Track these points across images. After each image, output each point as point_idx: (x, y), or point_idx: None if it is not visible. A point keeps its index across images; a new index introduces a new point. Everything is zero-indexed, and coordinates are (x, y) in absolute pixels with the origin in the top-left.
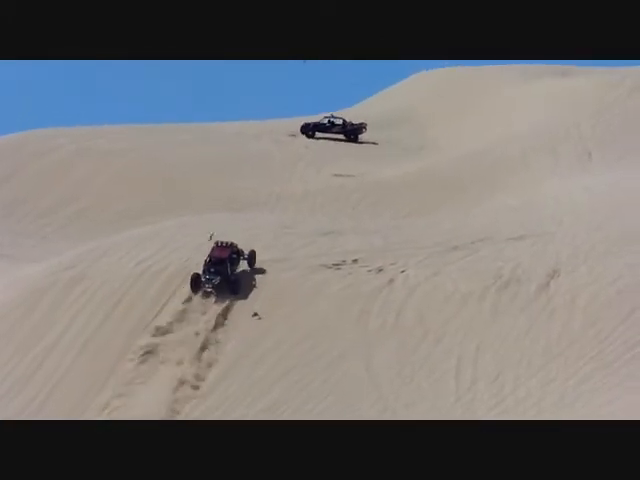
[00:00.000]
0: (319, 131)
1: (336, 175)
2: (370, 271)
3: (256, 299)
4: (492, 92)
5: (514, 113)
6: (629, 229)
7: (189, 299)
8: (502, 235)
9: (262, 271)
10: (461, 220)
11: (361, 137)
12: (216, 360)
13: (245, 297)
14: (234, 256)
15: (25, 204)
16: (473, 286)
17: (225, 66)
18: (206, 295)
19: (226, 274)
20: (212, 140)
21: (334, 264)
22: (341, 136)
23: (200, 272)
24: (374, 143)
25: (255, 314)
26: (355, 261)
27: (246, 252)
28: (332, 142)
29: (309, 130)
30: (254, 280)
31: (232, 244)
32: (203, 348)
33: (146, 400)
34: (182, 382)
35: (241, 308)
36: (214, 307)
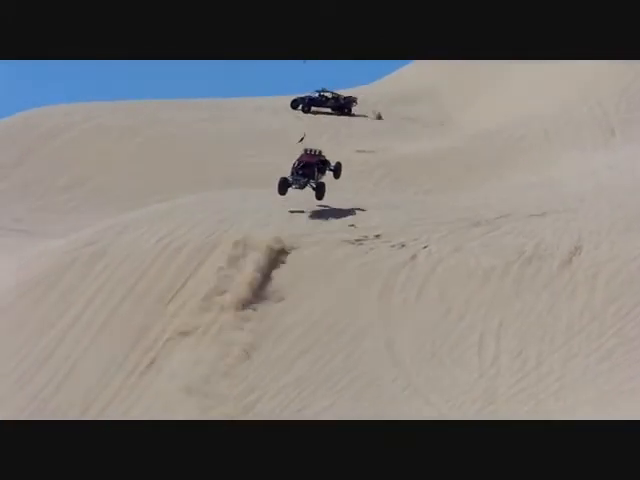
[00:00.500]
0: (314, 105)
1: (359, 151)
2: (392, 247)
3: (277, 275)
4: (513, 68)
5: (535, 90)
6: None
7: (217, 270)
8: (525, 211)
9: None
10: (483, 196)
11: (354, 110)
12: (238, 339)
13: (267, 274)
14: (321, 165)
15: (41, 183)
16: (495, 262)
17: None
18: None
19: (313, 177)
20: (230, 116)
21: (356, 239)
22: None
23: (287, 176)
24: (364, 116)
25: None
26: (377, 236)
27: (333, 163)
28: (353, 118)
29: (305, 105)
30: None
31: (320, 152)
32: (225, 326)
33: (169, 376)
34: (201, 360)
35: (263, 286)
36: (235, 283)
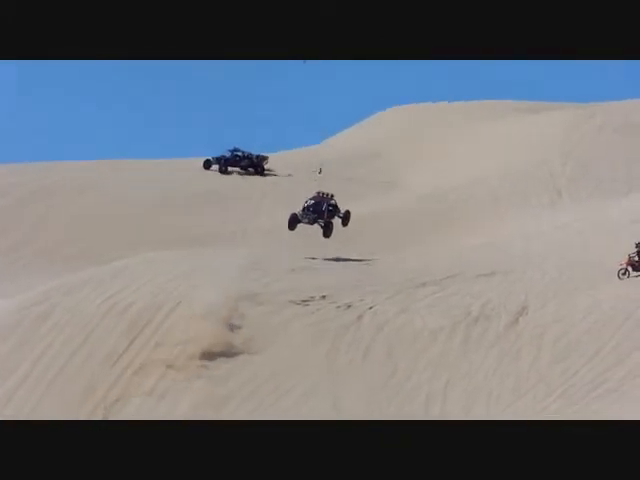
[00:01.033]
0: (230, 165)
1: None
2: (339, 307)
3: (225, 336)
4: (460, 130)
5: (482, 151)
6: (597, 267)
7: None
8: (471, 272)
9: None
10: (429, 257)
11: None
12: (182, 400)
13: (207, 337)
14: (330, 208)
15: None
16: (442, 322)
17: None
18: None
19: (322, 217)
20: (175, 176)
21: (303, 300)
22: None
23: (297, 212)
24: (274, 174)
25: None
26: (324, 297)
27: (342, 210)
28: (297, 180)
29: (222, 165)
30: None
31: (332, 196)
32: (171, 389)
33: None
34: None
35: (211, 347)
36: (178, 347)
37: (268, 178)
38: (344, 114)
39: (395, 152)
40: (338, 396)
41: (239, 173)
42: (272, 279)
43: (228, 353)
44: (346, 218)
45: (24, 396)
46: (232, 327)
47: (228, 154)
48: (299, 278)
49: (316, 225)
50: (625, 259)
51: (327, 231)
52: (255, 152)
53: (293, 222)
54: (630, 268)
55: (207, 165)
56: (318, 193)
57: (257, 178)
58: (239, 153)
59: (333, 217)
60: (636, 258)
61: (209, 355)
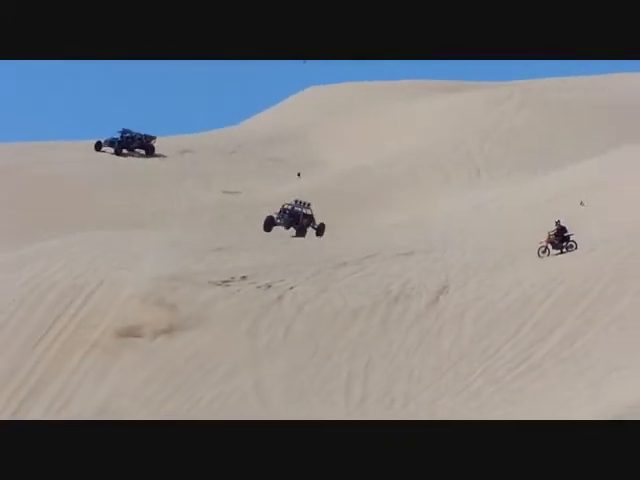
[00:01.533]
0: (124, 148)
1: (225, 192)
2: (259, 288)
3: (148, 316)
4: (382, 109)
5: (403, 130)
6: (517, 245)
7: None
8: (391, 251)
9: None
10: (349, 237)
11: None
12: (105, 380)
13: (130, 317)
14: (305, 216)
15: None
16: (362, 302)
17: (113, 85)
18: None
19: (297, 220)
20: (96, 157)
21: (223, 281)
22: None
23: (273, 215)
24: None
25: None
26: (244, 278)
27: (317, 222)
28: (218, 158)
29: (117, 147)
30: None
31: (309, 205)
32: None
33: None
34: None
35: (134, 325)
36: (102, 326)
37: (186, 158)
38: (262, 96)
39: (315, 133)
40: (260, 376)
41: (127, 155)
42: (192, 260)
43: (150, 333)
44: (320, 230)
45: None
46: (154, 308)
47: (118, 136)
48: (219, 259)
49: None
50: (545, 237)
51: (301, 233)
52: (143, 132)
53: (269, 224)
54: (550, 246)
55: (98, 147)
56: (296, 201)
57: (177, 158)
58: (129, 135)
59: (308, 225)
60: (555, 235)
61: (132, 335)
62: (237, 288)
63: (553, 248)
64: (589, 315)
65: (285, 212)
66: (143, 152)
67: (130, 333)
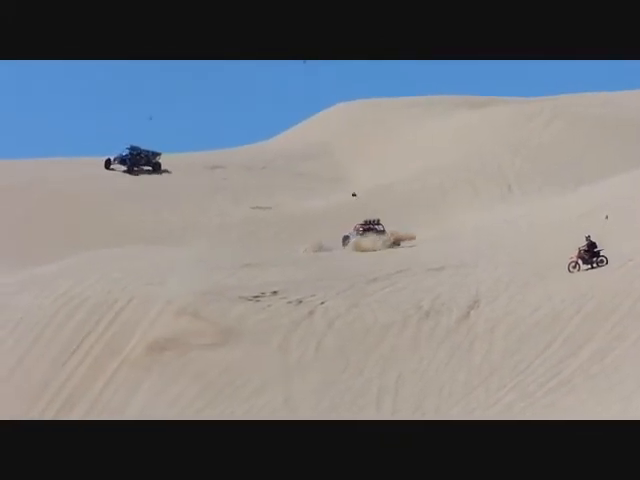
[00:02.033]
0: (135, 165)
1: (254, 208)
2: (290, 303)
3: (178, 332)
4: (410, 124)
5: (430, 146)
6: (547, 260)
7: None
8: (422, 266)
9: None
10: (380, 252)
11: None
12: (133, 397)
13: (161, 332)
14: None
15: None
16: (393, 317)
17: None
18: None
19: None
20: (115, 173)
21: (254, 296)
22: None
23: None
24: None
25: None
26: (274, 293)
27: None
28: (248, 174)
29: (130, 166)
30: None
31: (379, 221)
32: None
33: None
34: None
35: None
36: (132, 342)
37: (217, 174)
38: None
39: (342, 148)
40: (291, 391)
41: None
42: (222, 275)
43: (182, 349)
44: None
45: None
46: (184, 323)
47: (126, 152)
48: (249, 274)
49: None
50: (575, 252)
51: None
52: (149, 149)
53: (346, 239)
54: (580, 261)
55: (107, 165)
56: (366, 221)
57: (207, 174)
58: (138, 151)
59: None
60: (586, 250)
61: (163, 350)
62: (268, 303)
63: (583, 263)
64: (619, 330)
65: (358, 234)
66: (150, 169)
67: (161, 348)
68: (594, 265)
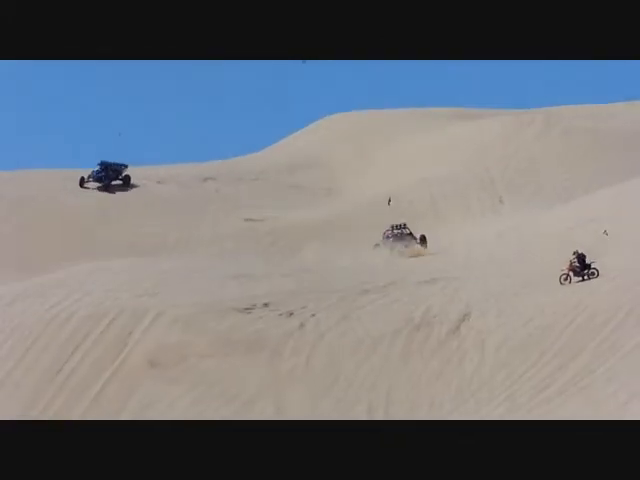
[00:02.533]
0: (109, 180)
1: (247, 220)
2: (281, 315)
3: (169, 343)
4: (403, 136)
5: (423, 158)
6: (538, 272)
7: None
8: (413, 278)
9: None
10: (370, 263)
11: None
12: (124, 409)
13: (152, 345)
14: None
15: None
16: (384, 330)
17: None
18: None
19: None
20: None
21: (245, 308)
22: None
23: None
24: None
25: None
26: (266, 305)
27: (418, 236)
28: (240, 185)
29: (107, 182)
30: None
31: (405, 225)
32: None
33: None
34: None
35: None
36: (123, 355)
37: (209, 185)
38: (283, 123)
39: (334, 160)
40: (281, 402)
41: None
42: (214, 287)
43: (172, 361)
44: (423, 241)
45: None
46: (177, 335)
47: (98, 168)
48: (241, 286)
49: None
50: (567, 264)
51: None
52: (116, 162)
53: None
54: (572, 274)
55: (82, 183)
56: (393, 226)
57: (199, 185)
58: (109, 166)
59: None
60: (577, 264)
61: (154, 362)
62: (259, 315)
63: (575, 276)
64: (611, 342)
65: (389, 239)
66: (121, 183)
67: (153, 360)
68: (585, 277)
